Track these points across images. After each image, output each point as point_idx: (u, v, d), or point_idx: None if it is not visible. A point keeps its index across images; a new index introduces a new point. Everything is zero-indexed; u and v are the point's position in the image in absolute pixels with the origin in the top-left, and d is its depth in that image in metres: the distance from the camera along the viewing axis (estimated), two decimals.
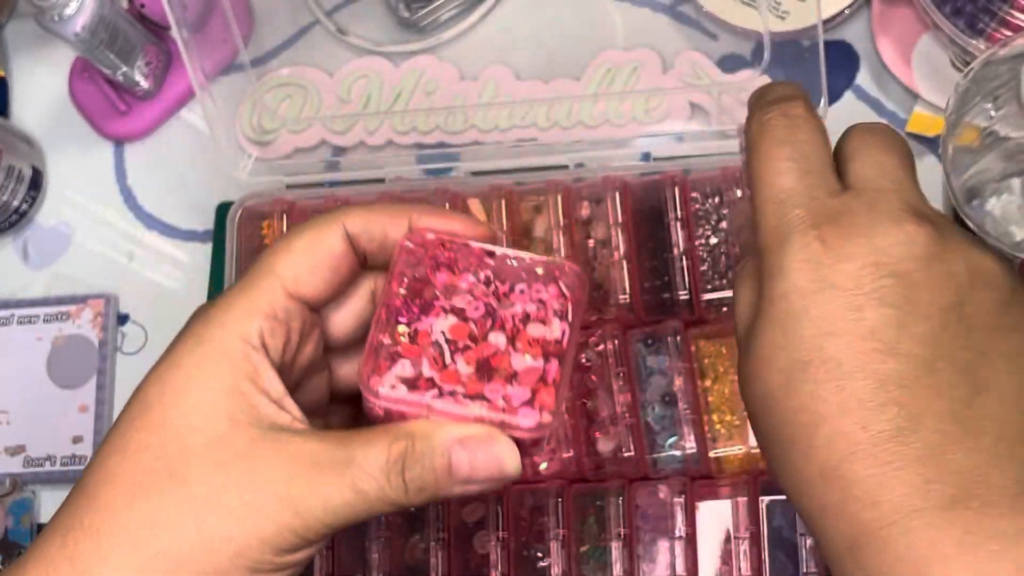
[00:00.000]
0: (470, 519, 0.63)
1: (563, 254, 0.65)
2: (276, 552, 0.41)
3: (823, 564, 0.59)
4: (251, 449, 0.41)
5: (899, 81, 0.69)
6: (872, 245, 0.39)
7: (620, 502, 0.61)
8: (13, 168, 0.76)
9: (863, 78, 0.71)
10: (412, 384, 0.43)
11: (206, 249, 0.75)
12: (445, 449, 0.42)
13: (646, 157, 0.69)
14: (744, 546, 0.60)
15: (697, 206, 0.65)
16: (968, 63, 0.52)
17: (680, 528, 0.61)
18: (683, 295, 0.64)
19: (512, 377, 0.44)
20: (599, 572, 0.61)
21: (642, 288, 0.64)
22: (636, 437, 0.62)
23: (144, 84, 0.77)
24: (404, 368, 0.44)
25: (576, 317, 0.45)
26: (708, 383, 0.63)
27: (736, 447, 0.62)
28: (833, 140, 0.68)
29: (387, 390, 0.43)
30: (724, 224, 0.64)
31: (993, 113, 0.49)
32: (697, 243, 0.64)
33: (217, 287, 0.73)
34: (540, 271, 0.46)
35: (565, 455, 0.62)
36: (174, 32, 0.66)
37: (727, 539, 0.61)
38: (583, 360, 0.63)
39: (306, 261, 0.44)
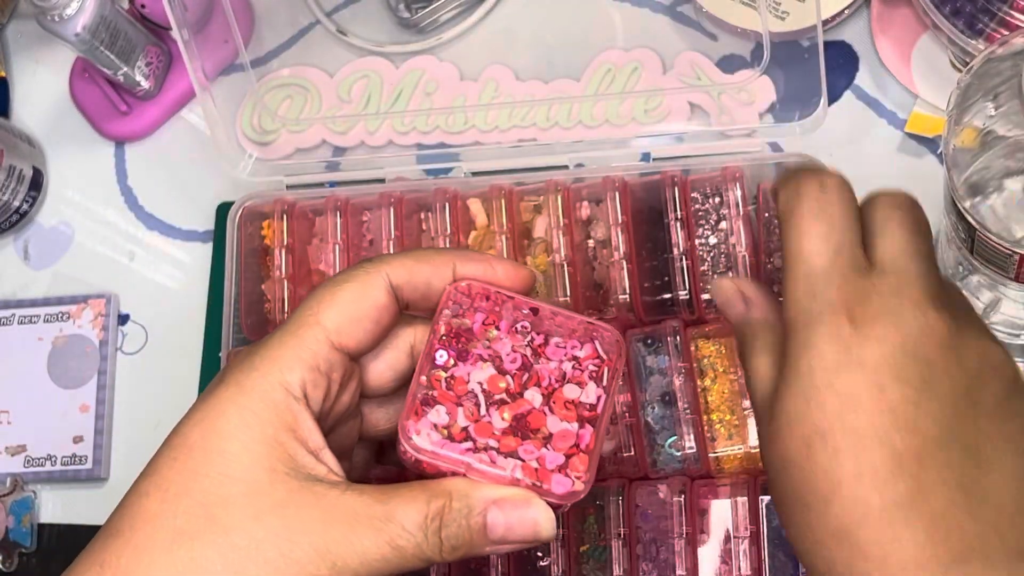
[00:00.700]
0: None
1: (563, 254, 0.65)
2: None
3: None
4: (289, 500, 0.42)
5: (898, 81, 0.69)
6: (898, 330, 0.41)
7: (620, 502, 0.61)
8: (14, 168, 0.76)
9: (862, 78, 0.71)
10: (447, 433, 0.44)
11: (206, 249, 0.75)
12: (482, 509, 0.43)
13: (646, 157, 0.69)
14: (744, 546, 0.60)
15: (697, 206, 0.65)
16: (967, 63, 0.52)
17: (680, 528, 0.60)
18: (683, 295, 0.64)
19: (547, 439, 0.45)
20: (599, 572, 0.61)
21: (642, 288, 0.64)
22: (636, 437, 0.62)
23: (145, 84, 0.77)
24: (439, 415, 0.45)
25: (612, 383, 0.46)
26: (707, 383, 0.63)
27: (736, 447, 0.62)
28: (832, 140, 0.68)
29: (423, 440, 0.44)
30: (723, 224, 0.64)
31: (993, 111, 0.50)
32: (697, 243, 0.65)
33: (217, 287, 0.73)
34: (578, 330, 0.47)
35: None
36: (175, 32, 0.66)
37: (727, 539, 0.61)
38: None
39: (350, 312, 0.45)
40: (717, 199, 0.65)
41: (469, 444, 0.44)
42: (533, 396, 0.46)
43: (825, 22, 0.70)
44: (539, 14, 0.75)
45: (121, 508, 0.43)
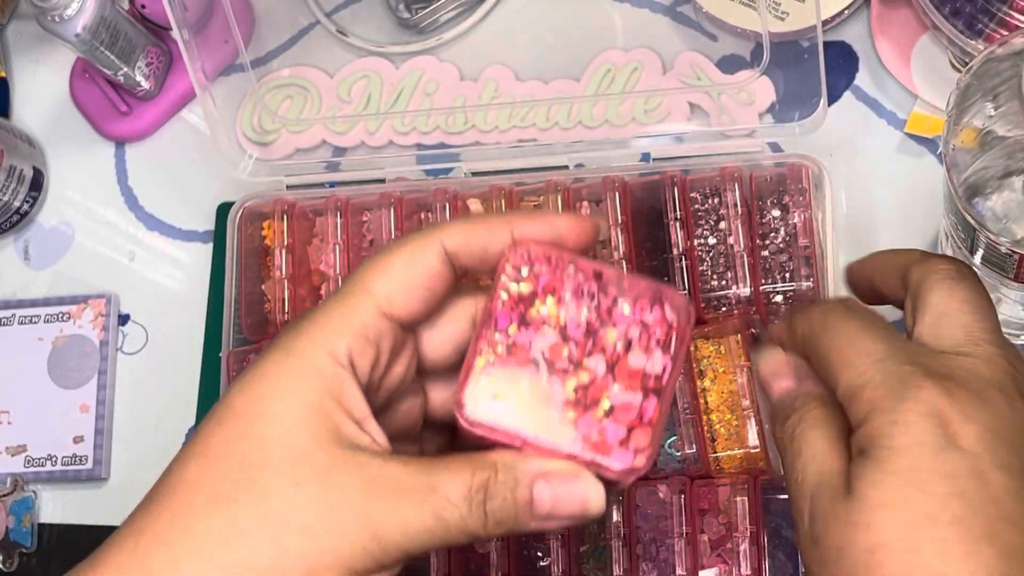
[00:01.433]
0: None
1: None
2: (350, 574, 0.40)
3: None
4: (331, 467, 0.40)
5: (898, 81, 0.69)
6: (988, 411, 0.39)
7: (620, 502, 0.61)
8: (14, 168, 0.76)
9: (862, 78, 0.71)
10: (504, 403, 0.42)
11: (207, 249, 0.75)
12: (528, 483, 0.41)
13: (646, 157, 0.69)
14: (744, 546, 0.60)
15: (696, 206, 0.65)
16: (967, 63, 0.52)
17: (680, 528, 0.60)
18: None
19: (609, 411, 0.42)
20: (599, 572, 0.61)
21: None
22: None
23: (145, 85, 0.77)
24: (497, 384, 0.42)
25: (680, 351, 0.43)
26: (707, 383, 0.63)
27: (735, 447, 0.62)
28: (832, 140, 0.68)
29: (478, 411, 0.42)
30: (723, 224, 0.64)
31: (993, 112, 0.49)
32: (696, 243, 0.65)
33: (218, 287, 0.73)
34: (646, 294, 0.43)
35: None
36: (175, 33, 0.66)
37: (727, 538, 0.61)
38: None
39: (402, 279, 0.43)
40: (716, 199, 0.65)
41: (527, 415, 0.41)
42: (596, 364, 0.42)
43: (825, 22, 0.70)
44: (539, 14, 0.75)
45: (163, 476, 0.42)
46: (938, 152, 0.68)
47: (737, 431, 0.62)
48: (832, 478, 0.41)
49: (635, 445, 0.41)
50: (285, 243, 0.68)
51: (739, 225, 0.64)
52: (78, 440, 0.73)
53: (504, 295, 0.43)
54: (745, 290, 0.63)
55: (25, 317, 0.75)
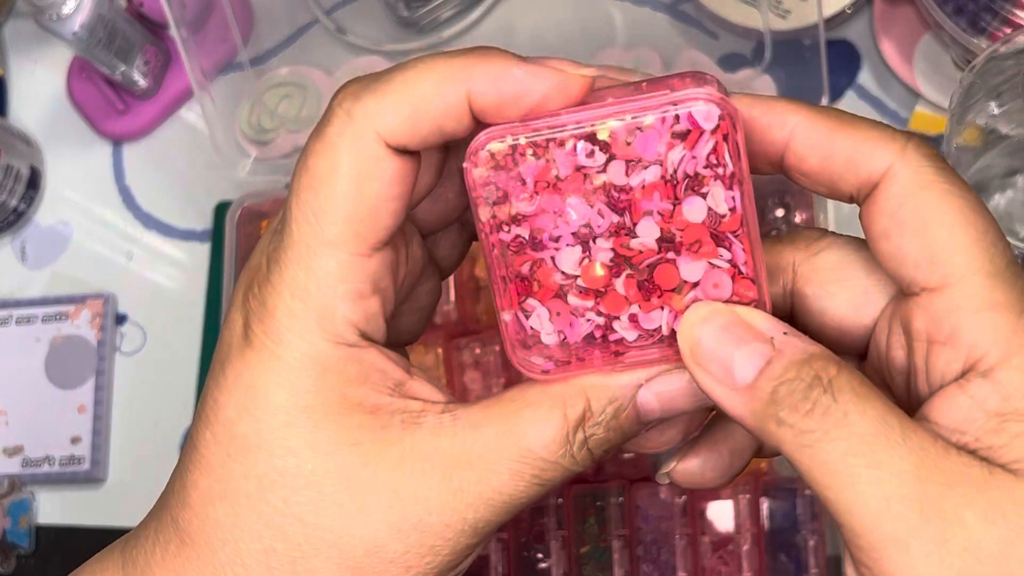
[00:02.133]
0: None
1: None
2: (449, 567, 0.34)
3: (823, 564, 0.59)
4: (392, 478, 0.33)
5: (901, 80, 0.69)
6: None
7: (620, 502, 0.61)
8: (11, 168, 0.76)
9: (865, 77, 0.71)
10: (564, 346, 0.34)
11: (205, 249, 0.75)
12: (629, 398, 0.34)
13: None
14: (745, 546, 0.60)
15: None
16: (970, 62, 0.52)
17: (681, 529, 0.60)
18: None
19: (694, 289, 0.33)
20: (600, 573, 0.61)
21: None
22: None
23: (143, 83, 0.76)
24: (546, 333, 0.34)
25: (738, 162, 0.32)
26: None
27: None
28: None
29: (543, 363, 0.34)
30: None
31: (996, 110, 0.49)
32: None
33: (215, 287, 0.72)
34: (665, 118, 0.31)
35: None
36: (173, 31, 0.66)
37: (728, 540, 0.60)
38: None
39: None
40: None
41: (596, 343, 0.34)
42: (645, 243, 0.32)
43: (827, 21, 0.69)
44: (539, 12, 0.75)
45: (181, 492, 0.34)
46: (941, 151, 0.68)
47: None
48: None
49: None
50: None
51: None
52: (76, 441, 0.72)
53: (491, 226, 0.33)
54: None
55: (22, 317, 0.75)
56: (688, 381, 0.33)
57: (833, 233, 0.37)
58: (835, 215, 0.65)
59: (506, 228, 0.33)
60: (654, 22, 0.74)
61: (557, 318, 0.34)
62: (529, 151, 0.32)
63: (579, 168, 0.32)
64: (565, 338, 0.34)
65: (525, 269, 0.33)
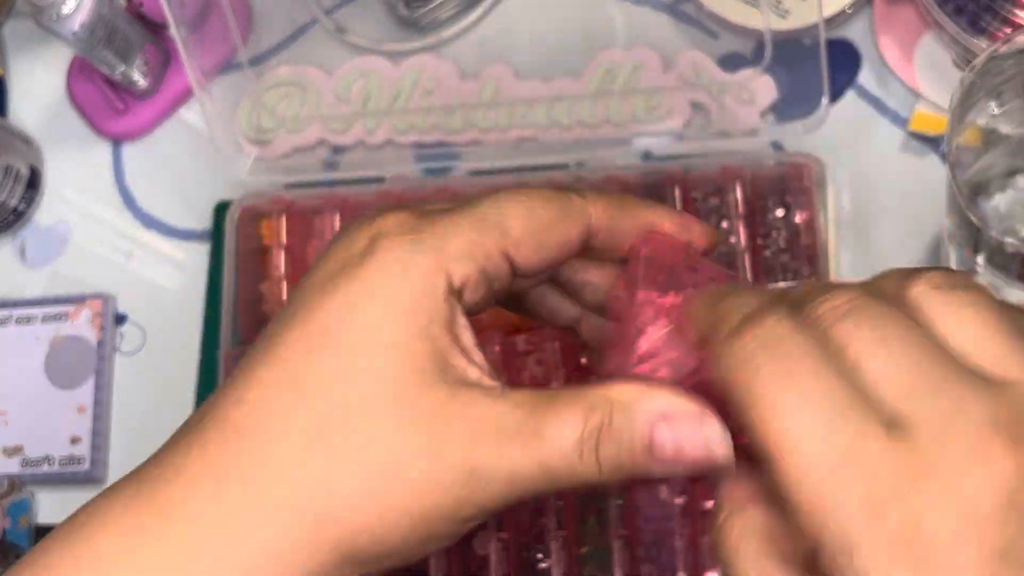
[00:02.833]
0: None
1: None
2: (452, 523, 0.36)
3: None
4: (437, 411, 0.36)
5: (901, 80, 0.69)
6: None
7: (620, 503, 0.61)
8: (11, 167, 0.76)
9: (865, 77, 0.70)
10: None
11: (204, 249, 0.75)
12: (648, 424, 0.35)
13: (646, 156, 0.68)
14: None
15: (698, 205, 0.65)
16: (970, 62, 0.52)
17: (681, 529, 0.60)
18: None
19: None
20: (600, 573, 0.61)
21: None
22: None
23: (142, 83, 0.76)
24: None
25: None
26: None
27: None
28: (834, 139, 0.68)
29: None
30: (724, 224, 0.64)
31: (996, 110, 0.49)
32: None
33: (215, 287, 0.72)
34: None
35: None
36: (172, 31, 0.66)
37: None
38: (582, 360, 0.63)
39: (539, 235, 0.39)
40: (718, 198, 0.65)
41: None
42: None
43: (827, 20, 0.69)
44: (539, 13, 0.75)
45: (235, 399, 0.36)
46: (941, 151, 0.68)
47: None
48: None
49: None
50: (283, 242, 0.68)
51: (741, 225, 0.64)
52: (75, 441, 0.72)
53: (650, 284, 0.39)
54: None
55: (22, 317, 0.75)
56: (705, 441, 0.35)
57: None
58: (835, 213, 0.65)
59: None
60: (654, 22, 0.74)
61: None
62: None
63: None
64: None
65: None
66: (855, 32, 0.71)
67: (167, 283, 0.76)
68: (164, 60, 0.78)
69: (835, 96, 0.70)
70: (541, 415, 0.36)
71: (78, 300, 0.75)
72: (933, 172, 0.68)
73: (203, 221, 0.76)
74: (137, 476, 0.38)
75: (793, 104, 0.67)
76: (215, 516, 0.35)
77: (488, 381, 0.37)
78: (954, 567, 0.27)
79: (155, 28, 0.76)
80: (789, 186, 0.64)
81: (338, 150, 0.75)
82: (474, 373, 0.37)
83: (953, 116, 0.50)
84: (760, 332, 0.31)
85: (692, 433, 0.35)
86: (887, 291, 0.32)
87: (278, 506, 0.35)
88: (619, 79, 0.72)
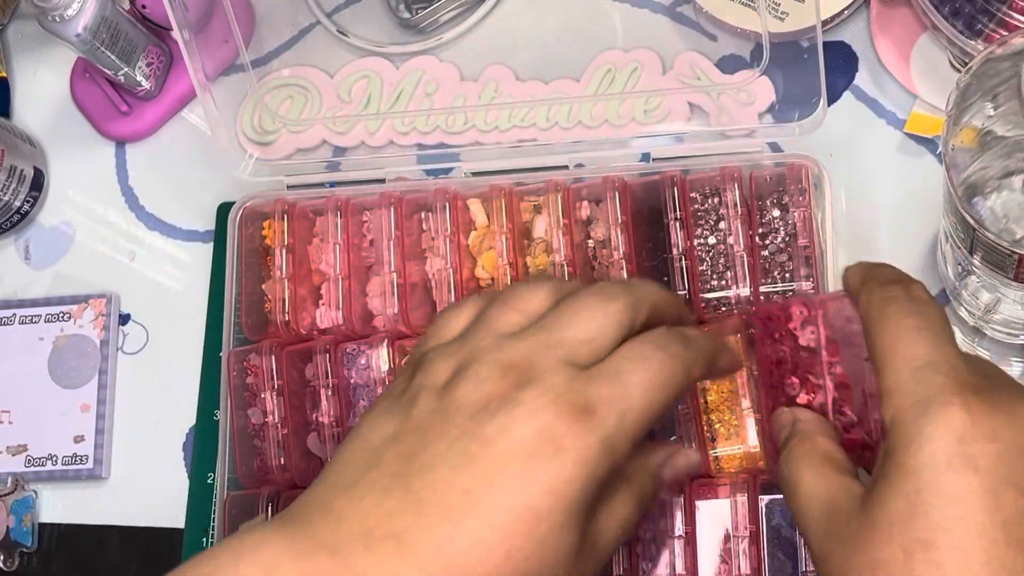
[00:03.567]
0: None
1: (563, 254, 0.65)
2: None
3: None
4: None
5: (898, 81, 0.69)
6: (1016, 426, 0.38)
7: None
8: (15, 168, 0.76)
9: (862, 78, 0.71)
10: None
11: (207, 249, 0.76)
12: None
13: (646, 157, 0.69)
14: (743, 545, 0.60)
15: (696, 206, 0.65)
16: (966, 63, 0.52)
17: (679, 527, 0.61)
18: (682, 295, 0.64)
19: None
20: (599, 572, 0.61)
21: None
22: None
23: (145, 84, 0.77)
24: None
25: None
26: (707, 382, 0.63)
27: (735, 447, 0.62)
28: (831, 140, 0.68)
29: None
30: (722, 224, 0.65)
31: (992, 112, 0.50)
32: (696, 243, 0.65)
33: (218, 287, 0.73)
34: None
35: None
36: (175, 33, 0.66)
37: (726, 538, 0.61)
38: None
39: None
40: (716, 199, 0.65)
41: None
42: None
43: (824, 22, 0.70)
44: (539, 14, 0.75)
45: None
46: (938, 152, 0.68)
47: (736, 431, 0.62)
48: (835, 498, 0.42)
49: None
50: (285, 243, 0.68)
51: (739, 225, 0.64)
52: (79, 440, 0.73)
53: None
54: (745, 290, 0.63)
55: (26, 317, 0.75)
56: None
57: None
58: (832, 214, 0.65)
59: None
60: (653, 24, 0.74)
61: None
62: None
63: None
64: None
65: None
66: (852, 34, 0.71)
67: (170, 283, 0.76)
68: (167, 62, 0.78)
69: (832, 98, 0.70)
70: None
71: (82, 300, 0.75)
72: (929, 173, 0.68)
73: (206, 222, 0.76)
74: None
75: (791, 105, 0.67)
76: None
77: None
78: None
79: (158, 30, 0.76)
80: (787, 187, 0.64)
81: (339, 151, 0.75)
82: None
83: (949, 118, 0.51)
84: (904, 286, 0.44)
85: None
86: None
87: None
88: (618, 81, 0.72)
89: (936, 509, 0.38)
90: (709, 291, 0.64)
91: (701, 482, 0.62)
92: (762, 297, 0.63)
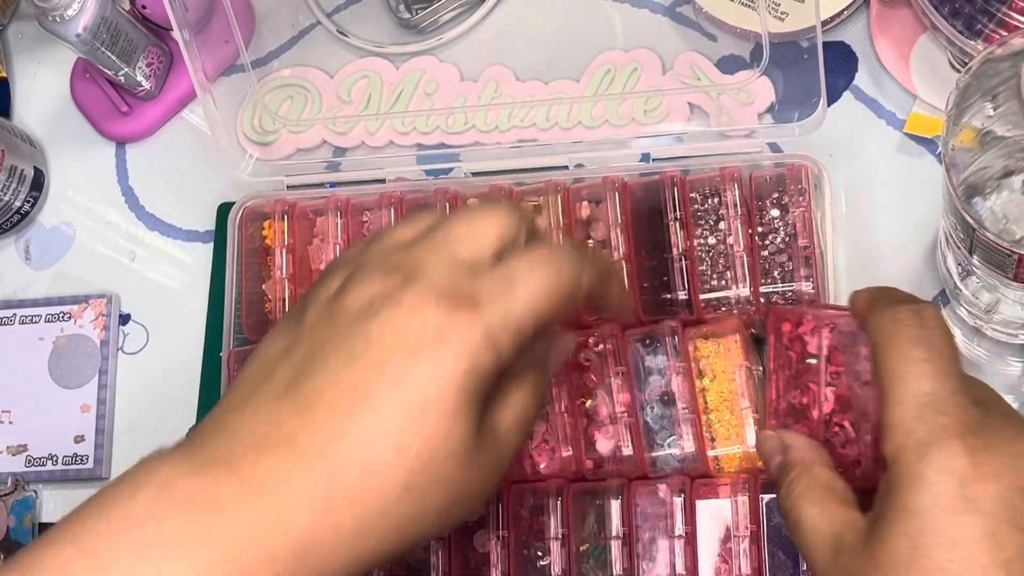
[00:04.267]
0: (470, 518, 0.63)
1: None
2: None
3: None
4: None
5: (897, 82, 0.69)
6: (1017, 465, 0.39)
7: (619, 501, 0.61)
8: (15, 169, 0.76)
9: (861, 79, 0.71)
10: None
11: (207, 249, 0.76)
12: None
13: (645, 158, 0.69)
14: (744, 544, 0.60)
15: (696, 206, 0.65)
16: (966, 64, 0.52)
17: (679, 527, 0.61)
18: (681, 295, 0.64)
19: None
20: (599, 571, 0.61)
21: (641, 288, 0.65)
22: (635, 436, 0.62)
23: (146, 85, 0.77)
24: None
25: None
26: (706, 383, 0.63)
27: (734, 447, 0.62)
28: (831, 140, 0.68)
29: None
30: (722, 225, 0.65)
31: (992, 112, 0.50)
32: (695, 243, 0.65)
33: (218, 287, 0.73)
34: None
35: (564, 454, 0.62)
36: (176, 33, 0.66)
37: (727, 538, 0.61)
38: (582, 359, 0.63)
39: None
40: (716, 199, 0.65)
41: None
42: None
43: (824, 23, 0.70)
44: (539, 15, 0.75)
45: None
46: (937, 152, 0.68)
47: (736, 430, 0.62)
48: (840, 533, 0.42)
49: None
50: (286, 243, 0.68)
51: (739, 225, 0.64)
52: (79, 440, 0.73)
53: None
54: (744, 290, 0.63)
55: (26, 317, 0.76)
56: None
57: None
58: (832, 214, 0.65)
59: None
60: (653, 24, 0.74)
61: None
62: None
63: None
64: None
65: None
66: (852, 35, 0.72)
67: (170, 283, 0.76)
68: (167, 62, 0.78)
69: (832, 98, 0.70)
70: None
71: (82, 300, 0.75)
72: (929, 173, 0.68)
73: (206, 222, 0.76)
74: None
75: (791, 106, 0.67)
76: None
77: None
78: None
79: (158, 31, 0.76)
80: (786, 187, 0.64)
81: (340, 151, 0.75)
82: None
83: (949, 118, 0.51)
84: (915, 309, 0.43)
85: None
86: None
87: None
88: (618, 81, 0.72)
89: (938, 551, 0.38)
90: (709, 291, 0.64)
91: (701, 482, 0.62)
92: (762, 298, 0.63)
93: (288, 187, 0.71)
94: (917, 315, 0.43)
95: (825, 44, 0.68)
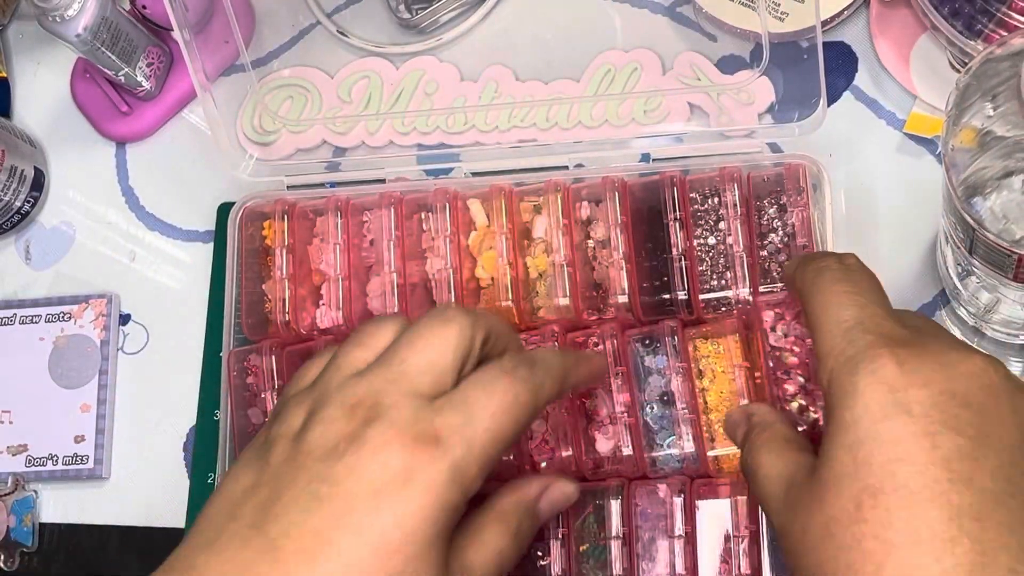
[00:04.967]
0: None
1: (563, 254, 0.65)
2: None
3: None
4: None
5: (897, 82, 0.69)
6: (945, 372, 0.39)
7: (619, 501, 0.61)
8: (15, 169, 0.76)
9: (861, 79, 0.71)
10: None
11: (207, 249, 0.76)
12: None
13: (645, 158, 0.69)
14: (743, 545, 0.60)
15: (696, 206, 0.65)
16: (966, 64, 0.52)
17: (679, 527, 0.61)
18: (681, 295, 0.64)
19: None
20: (599, 571, 0.61)
21: (641, 288, 0.65)
22: (635, 436, 0.62)
23: (146, 85, 0.77)
24: None
25: None
26: (706, 383, 0.63)
27: (734, 447, 0.62)
28: (831, 140, 0.68)
29: None
30: (722, 225, 0.65)
31: (992, 112, 0.50)
32: (695, 243, 0.65)
33: (218, 287, 0.73)
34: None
35: (564, 454, 0.62)
36: (176, 33, 0.66)
37: (726, 538, 0.61)
38: None
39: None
40: (716, 199, 0.65)
41: None
42: None
43: (824, 23, 0.70)
44: (539, 15, 0.75)
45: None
46: (937, 152, 0.68)
47: None
48: (793, 474, 0.43)
49: None
50: (286, 243, 0.69)
51: (738, 225, 0.64)
52: (79, 440, 0.73)
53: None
54: (744, 290, 0.63)
55: (26, 317, 0.76)
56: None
57: None
58: (831, 214, 0.65)
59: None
60: (653, 24, 0.74)
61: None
62: None
63: None
64: None
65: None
66: (852, 35, 0.72)
67: (170, 283, 0.76)
68: (167, 62, 0.78)
69: (832, 98, 0.70)
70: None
71: (82, 300, 0.75)
72: (929, 173, 0.68)
73: (206, 222, 0.76)
74: None
75: (790, 106, 0.67)
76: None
77: None
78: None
79: (158, 30, 0.76)
80: (786, 187, 0.64)
81: (340, 151, 0.75)
82: None
83: (949, 118, 0.51)
84: (837, 256, 0.46)
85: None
86: None
87: None
88: (618, 81, 0.72)
89: (877, 455, 0.39)
90: (709, 291, 0.64)
91: (701, 482, 0.62)
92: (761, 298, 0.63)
93: (288, 187, 0.71)
94: (839, 261, 0.46)
95: (825, 44, 0.68)
